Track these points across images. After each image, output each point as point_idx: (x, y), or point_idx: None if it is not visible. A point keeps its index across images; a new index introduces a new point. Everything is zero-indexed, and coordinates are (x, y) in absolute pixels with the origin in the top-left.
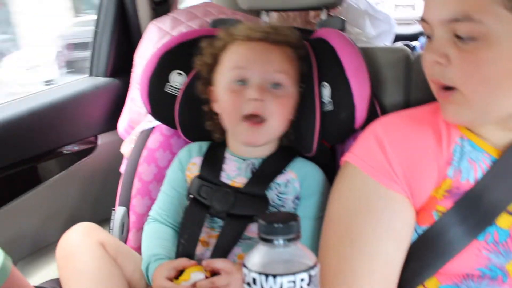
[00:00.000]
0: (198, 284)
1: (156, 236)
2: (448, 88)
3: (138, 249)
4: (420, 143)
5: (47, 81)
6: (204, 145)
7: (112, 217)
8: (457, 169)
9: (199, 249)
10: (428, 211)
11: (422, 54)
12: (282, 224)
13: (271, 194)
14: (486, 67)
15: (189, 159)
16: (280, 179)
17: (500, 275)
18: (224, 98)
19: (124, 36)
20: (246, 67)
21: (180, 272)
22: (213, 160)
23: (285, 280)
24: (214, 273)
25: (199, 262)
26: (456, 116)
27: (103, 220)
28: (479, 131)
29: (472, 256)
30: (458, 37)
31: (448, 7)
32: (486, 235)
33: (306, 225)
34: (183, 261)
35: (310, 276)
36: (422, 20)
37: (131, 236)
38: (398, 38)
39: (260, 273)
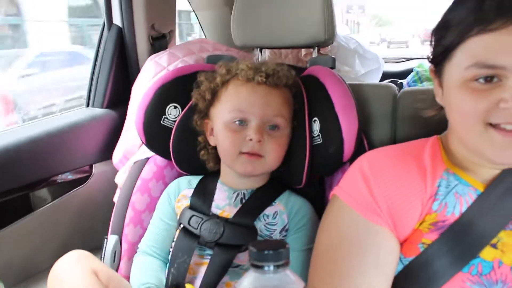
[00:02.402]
0: None
1: (146, 267)
2: None
3: (130, 277)
4: (404, 178)
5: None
6: (193, 179)
7: (104, 245)
8: (442, 203)
9: (188, 277)
10: (414, 243)
11: (473, 99)
12: (272, 251)
13: (259, 225)
14: None
15: (178, 192)
16: (269, 210)
17: None
18: (223, 136)
19: (122, 69)
20: (246, 110)
21: None
22: (204, 191)
23: None
24: None
25: None
26: None
27: (95, 249)
28: (466, 165)
29: (457, 287)
30: None
31: None
32: (471, 267)
33: (295, 257)
34: None
35: None
36: (491, 67)
37: (123, 264)
38: (387, 76)
39: None
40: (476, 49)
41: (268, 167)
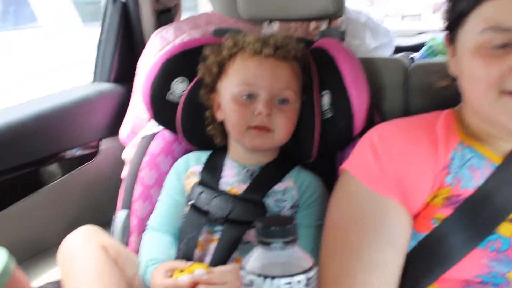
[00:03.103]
0: (198, 279)
1: (154, 243)
2: None
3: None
4: (414, 150)
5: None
6: (202, 155)
7: (114, 221)
8: (456, 177)
9: (198, 253)
10: (427, 218)
11: (487, 65)
12: (279, 227)
13: (269, 201)
14: None
15: (187, 168)
16: (278, 186)
17: (502, 283)
18: (231, 110)
19: (127, 44)
20: (254, 83)
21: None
22: (213, 167)
23: (282, 282)
24: None
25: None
26: None
27: (105, 224)
28: (483, 137)
29: (473, 264)
30: None
31: None
32: (488, 243)
33: (305, 233)
34: (181, 263)
35: (307, 278)
36: (506, 29)
37: (132, 239)
38: (399, 50)
39: (257, 275)
40: (490, 12)
41: (277, 141)
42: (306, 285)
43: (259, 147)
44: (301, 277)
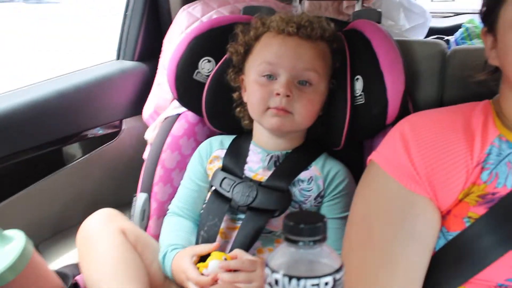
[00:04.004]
0: (221, 277)
1: (175, 228)
2: None
3: (158, 237)
4: (447, 143)
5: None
6: (225, 139)
7: (134, 203)
8: (492, 173)
9: (219, 241)
10: (459, 217)
11: None
12: (309, 225)
13: (294, 190)
14: None
15: (210, 153)
16: (304, 175)
17: None
18: (251, 90)
19: (153, 20)
20: (275, 62)
21: (203, 259)
22: (237, 152)
23: (308, 283)
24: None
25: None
26: None
27: (125, 205)
28: None
29: (505, 267)
30: None
31: None
32: None
33: (330, 225)
34: (206, 247)
35: (334, 280)
36: None
37: (152, 223)
38: (433, 31)
39: (283, 275)
40: None
41: (297, 125)
42: (333, 286)
43: (277, 128)
44: (329, 279)
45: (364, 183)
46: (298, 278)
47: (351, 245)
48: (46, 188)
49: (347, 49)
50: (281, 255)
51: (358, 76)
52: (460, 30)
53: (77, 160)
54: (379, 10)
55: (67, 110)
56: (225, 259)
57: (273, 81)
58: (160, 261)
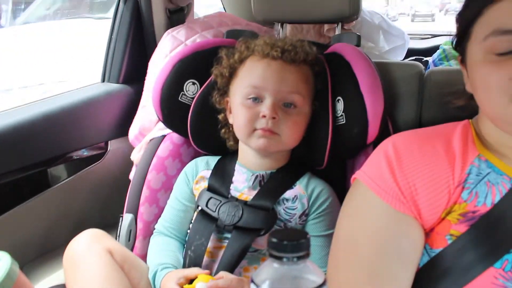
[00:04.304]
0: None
1: (163, 248)
2: None
3: (145, 257)
4: (430, 164)
5: None
6: (211, 160)
7: (120, 224)
8: (472, 192)
9: (206, 260)
10: (441, 234)
11: (496, 69)
12: (293, 242)
13: (279, 208)
14: None
15: (196, 173)
16: (289, 194)
17: None
18: (238, 113)
19: (138, 43)
20: (261, 86)
21: (190, 281)
22: (222, 173)
23: None
24: None
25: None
26: None
27: (111, 225)
28: (500, 150)
29: (486, 283)
30: None
31: None
32: (504, 262)
33: (315, 242)
34: (194, 270)
35: None
36: (507, 32)
37: (138, 243)
38: (412, 53)
39: None
40: (492, 17)
41: (283, 146)
42: None
43: (264, 149)
44: None
45: (349, 202)
46: None
47: (337, 263)
48: (31, 209)
49: (328, 71)
50: (266, 271)
51: (339, 98)
52: (438, 51)
53: (63, 181)
54: (358, 34)
55: (53, 132)
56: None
57: (259, 104)
58: (151, 280)
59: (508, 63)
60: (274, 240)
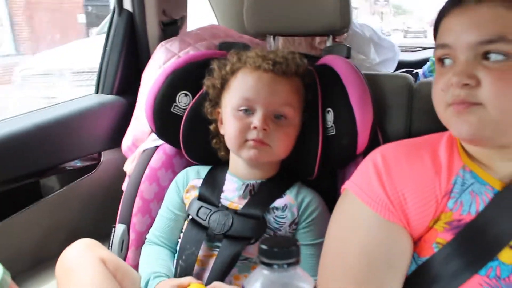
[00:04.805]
0: None
1: (154, 257)
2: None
3: (137, 267)
4: (418, 174)
5: None
6: (202, 169)
7: (112, 234)
8: (457, 201)
9: (197, 269)
10: (428, 243)
11: (436, 80)
12: (283, 249)
13: (269, 217)
14: None
15: (187, 182)
16: (279, 203)
17: None
18: (229, 124)
19: (132, 55)
20: (252, 98)
21: None
22: (213, 182)
23: None
24: None
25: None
26: (473, 129)
27: (103, 236)
28: (483, 160)
29: None
30: (485, 58)
31: (482, 30)
32: (488, 270)
33: (304, 251)
34: (187, 279)
35: None
36: (442, 46)
37: (131, 253)
38: (403, 65)
39: None
40: (439, 31)
41: (274, 156)
42: None
43: (255, 159)
44: None
45: (339, 212)
46: None
47: (327, 271)
48: (24, 220)
49: (318, 83)
50: (256, 278)
51: (329, 109)
52: (428, 63)
53: (56, 192)
54: (348, 45)
55: (46, 142)
56: None
57: (250, 115)
58: None
59: (440, 77)
60: (264, 247)
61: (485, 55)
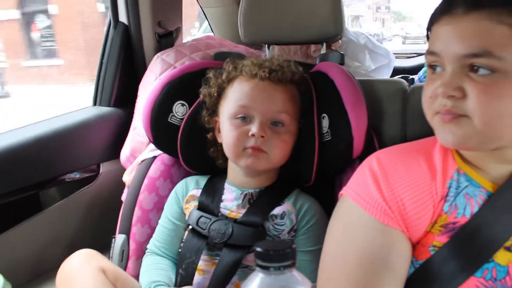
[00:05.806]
0: None
1: (155, 267)
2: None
3: (137, 277)
4: (415, 179)
5: None
6: (200, 179)
7: (112, 245)
8: (452, 204)
9: (197, 278)
10: (425, 246)
11: (425, 86)
12: (278, 251)
13: (268, 225)
14: (503, 99)
15: (186, 192)
16: (277, 210)
17: None
18: (227, 132)
19: (129, 67)
20: (249, 106)
21: None
22: (212, 191)
23: None
24: None
25: None
26: (457, 139)
27: (103, 247)
28: (476, 163)
29: None
30: (472, 70)
31: (467, 43)
32: (484, 271)
33: (304, 257)
34: None
35: None
36: (431, 53)
37: (131, 263)
38: (398, 71)
39: None
40: (430, 39)
41: (272, 163)
42: None
43: (253, 167)
44: None
45: (337, 217)
46: None
47: (326, 277)
48: (24, 232)
49: (313, 89)
50: (253, 281)
51: (324, 114)
52: (423, 69)
53: (56, 204)
54: (342, 53)
55: (45, 155)
56: None
57: (248, 123)
58: None
59: (430, 83)
60: (260, 250)
61: (472, 67)
